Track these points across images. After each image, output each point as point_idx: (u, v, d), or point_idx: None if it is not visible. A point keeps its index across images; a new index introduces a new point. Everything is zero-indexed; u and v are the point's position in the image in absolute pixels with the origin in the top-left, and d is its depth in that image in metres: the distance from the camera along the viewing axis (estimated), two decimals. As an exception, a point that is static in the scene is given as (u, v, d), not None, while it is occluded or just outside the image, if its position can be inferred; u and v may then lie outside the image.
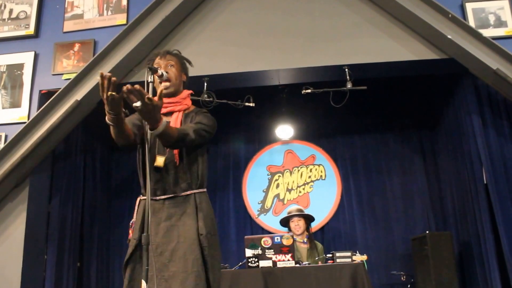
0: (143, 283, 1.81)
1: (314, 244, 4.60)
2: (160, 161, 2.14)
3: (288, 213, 4.75)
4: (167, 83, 2.21)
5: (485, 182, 3.85)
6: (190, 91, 2.36)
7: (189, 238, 2.07)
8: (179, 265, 2.03)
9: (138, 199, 2.23)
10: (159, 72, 2.12)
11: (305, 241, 4.58)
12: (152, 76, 2.03)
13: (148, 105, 1.78)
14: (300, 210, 4.75)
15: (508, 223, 3.60)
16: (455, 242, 4.65)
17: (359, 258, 3.74)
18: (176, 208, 2.12)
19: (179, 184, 2.15)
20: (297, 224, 4.60)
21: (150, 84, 1.99)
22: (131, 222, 2.21)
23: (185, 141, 2.05)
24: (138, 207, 2.20)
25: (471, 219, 4.17)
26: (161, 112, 2.19)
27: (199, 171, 2.21)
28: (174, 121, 2.21)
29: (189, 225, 2.10)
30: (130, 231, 2.18)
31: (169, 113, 2.25)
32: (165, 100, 2.23)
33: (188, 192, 2.16)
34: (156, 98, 1.82)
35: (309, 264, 3.91)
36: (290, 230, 4.68)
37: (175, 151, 2.16)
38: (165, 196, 2.14)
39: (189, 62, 2.40)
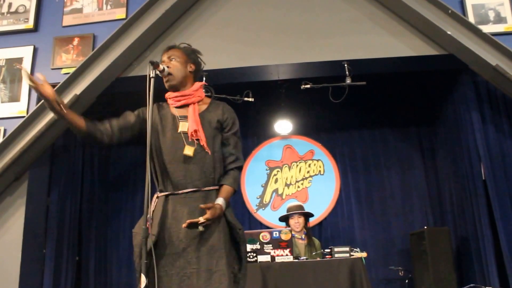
0: (143, 277, 1.81)
1: (312, 240, 4.60)
2: (189, 150, 2.12)
3: (288, 209, 4.73)
4: (169, 77, 2.21)
5: (483, 178, 3.86)
6: (202, 83, 2.36)
7: (214, 234, 2.06)
8: (202, 262, 2.01)
9: (156, 195, 2.17)
10: (161, 67, 2.12)
11: (303, 237, 4.58)
12: (154, 71, 2.05)
13: (209, 223, 2.00)
14: (300, 206, 4.73)
15: (506, 219, 3.62)
16: (453, 237, 4.66)
17: (358, 255, 3.74)
18: (198, 202, 2.08)
19: (202, 178, 2.13)
20: (297, 222, 4.58)
21: (152, 80, 2.03)
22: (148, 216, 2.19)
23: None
24: (156, 204, 2.14)
25: (469, 215, 4.18)
26: (176, 106, 2.24)
27: (223, 167, 2.23)
28: (192, 114, 2.18)
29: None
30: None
31: (185, 105, 2.24)
32: (177, 93, 2.24)
33: (211, 188, 2.15)
34: (208, 214, 1.99)
35: (306, 259, 3.92)
36: (288, 225, 4.68)
37: (204, 144, 2.15)
38: (187, 190, 2.11)
39: (197, 52, 2.37)
